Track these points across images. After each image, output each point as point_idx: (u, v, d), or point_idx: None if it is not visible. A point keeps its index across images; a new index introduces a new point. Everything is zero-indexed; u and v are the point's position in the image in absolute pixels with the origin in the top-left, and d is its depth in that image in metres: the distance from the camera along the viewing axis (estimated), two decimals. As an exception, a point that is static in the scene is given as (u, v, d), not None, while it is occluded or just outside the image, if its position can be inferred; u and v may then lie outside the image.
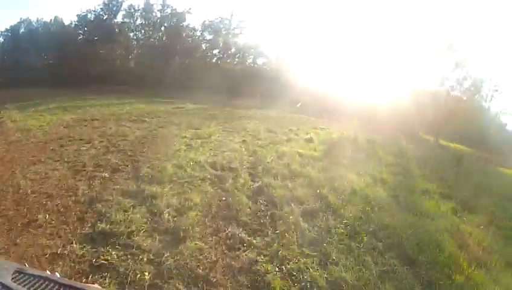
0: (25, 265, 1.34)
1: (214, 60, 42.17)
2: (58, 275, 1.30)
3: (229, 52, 42.09)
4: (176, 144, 10.55)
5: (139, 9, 39.82)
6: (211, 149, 10.42)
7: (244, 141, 12.46)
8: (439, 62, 31.72)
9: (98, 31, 37.39)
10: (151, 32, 40.79)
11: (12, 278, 1.19)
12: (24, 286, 1.17)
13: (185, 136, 11.91)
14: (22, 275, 1.23)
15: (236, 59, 42.40)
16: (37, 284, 1.19)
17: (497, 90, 32.20)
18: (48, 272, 1.33)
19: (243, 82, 33.15)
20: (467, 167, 14.98)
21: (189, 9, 41.41)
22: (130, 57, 41.03)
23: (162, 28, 40.68)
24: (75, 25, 39.27)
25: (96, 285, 1.53)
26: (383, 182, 9.19)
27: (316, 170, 8.91)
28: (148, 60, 37.29)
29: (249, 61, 42.49)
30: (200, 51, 41.45)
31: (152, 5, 40.06)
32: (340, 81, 34.65)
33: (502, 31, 60.93)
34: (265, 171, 8.49)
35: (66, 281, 1.23)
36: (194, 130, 13.33)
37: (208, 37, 42.03)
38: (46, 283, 1.20)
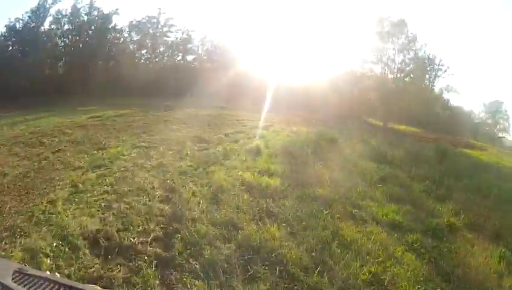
0: (25, 265, 1.49)
1: (142, 61, 39.41)
2: (58, 276, 1.40)
3: (158, 51, 39.67)
4: (58, 186, 6.58)
5: (66, 15, 36.32)
6: (105, 192, 6.20)
7: (160, 164, 8.19)
8: (384, 44, 29.63)
9: (26, 40, 34.59)
10: (78, 37, 37.36)
11: (13, 279, 1.25)
12: (24, 286, 1.22)
13: (80, 166, 8.05)
14: (22, 275, 1.28)
15: (166, 58, 39.67)
16: (37, 285, 1.24)
17: (441, 69, 30.62)
18: (48, 272, 1.42)
19: (172, 81, 31.29)
20: (457, 164, 12.07)
21: (116, 9, 37.96)
22: (59, 64, 37.65)
23: (90, 32, 37.62)
24: (4, 36, 35.90)
25: (96, 286, 1.52)
26: (398, 229, 5.45)
27: (287, 231, 4.73)
28: (76, 66, 34.80)
29: (178, 58, 39.92)
30: (127, 53, 38.36)
31: (79, 8, 36.65)
32: (275, 69, 32.14)
33: (445, 9, 61.71)
34: (190, 248, 4.22)
35: (65, 281, 1.28)
36: (97, 152, 9.44)
37: (136, 37, 39.32)
38: (46, 283, 1.25)
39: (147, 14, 41.28)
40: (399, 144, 14.94)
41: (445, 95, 33.76)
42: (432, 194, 7.95)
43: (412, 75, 29.75)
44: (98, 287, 1.41)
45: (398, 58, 29.63)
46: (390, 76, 29.84)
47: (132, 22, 38.56)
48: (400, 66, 29.58)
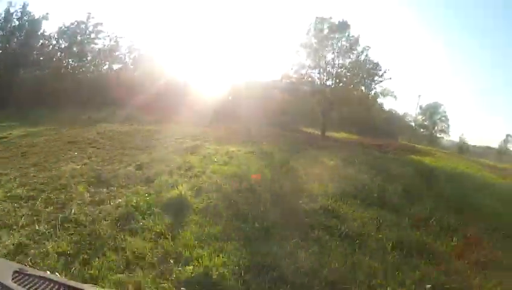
0: (25, 265, 1.44)
1: (69, 69, 37.28)
2: (58, 275, 1.39)
3: (84, 59, 38.03)
4: None
5: (0, 20, 34.85)
6: None
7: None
8: (323, 47, 27.17)
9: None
10: (7, 45, 35.49)
11: (13, 279, 1.22)
12: (24, 286, 1.19)
13: None
14: (22, 275, 1.25)
15: (92, 67, 38.31)
16: (37, 285, 1.21)
17: (377, 74, 28.25)
18: (48, 272, 1.41)
19: (98, 92, 29.14)
20: (450, 187, 9.38)
21: (47, 14, 36.22)
22: (-11, 75, 35.39)
23: (20, 39, 35.90)
24: None
25: (95, 286, 1.61)
26: None
27: None
28: (4, 76, 32.07)
29: (105, 67, 38.46)
30: (54, 61, 36.44)
31: (12, 13, 35.03)
32: (204, 79, 30.28)
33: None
34: None
35: (65, 281, 1.26)
36: None
37: (64, 44, 37.38)
38: (46, 283, 1.23)
39: (76, 19, 39.39)
40: (365, 163, 12.00)
41: (382, 99, 32.05)
42: (466, 258, 4.85)
43: (345, 79, 27.46)
44: (98, 287, 1.46)
45: (338, 61, 27.45)
46: (329, 82, 27.44)
47: (61, 27, 36.41)
48: (339, 70, 27.35)
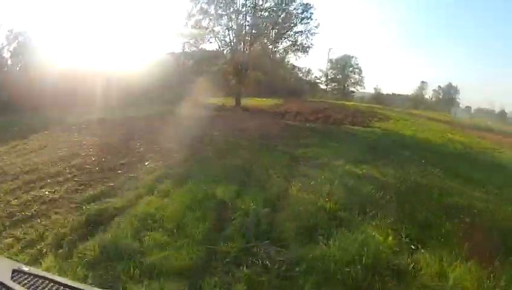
0: (24, 264, 1.27)
1: None
2: (58, 275, 1.32)
3: None
4: None
5: None
6: None
7: None
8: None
9: None
10: None
11: (12, 278, 1.12)
12: (23, 285, 1.11)
13: None
14: (21, 274, 1.16)
15: None
16: (37, 284, 1.13)
17: (308, 18, 21.45)
18: (47, 271, 1.34)
19: None
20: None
21: None
22: None
23: None
24: None
25: (96, 286, 1.51)
26: None
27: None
28: None
29: None
30: None
31: None
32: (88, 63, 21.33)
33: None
34: None
35: (65, 280, 1.18)
36: None
37: None
38: (46, 282, 1.14)
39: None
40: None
41: (290, 57, 25.58)
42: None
43: (265, 29, 20.38)
44: (97, 288, 1.35)
45: (255, 4, 19.74)
46: (243, 33, 19.85)
47: None
48: (257, 15, 19.78)
